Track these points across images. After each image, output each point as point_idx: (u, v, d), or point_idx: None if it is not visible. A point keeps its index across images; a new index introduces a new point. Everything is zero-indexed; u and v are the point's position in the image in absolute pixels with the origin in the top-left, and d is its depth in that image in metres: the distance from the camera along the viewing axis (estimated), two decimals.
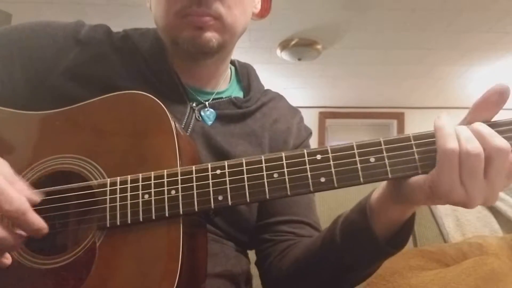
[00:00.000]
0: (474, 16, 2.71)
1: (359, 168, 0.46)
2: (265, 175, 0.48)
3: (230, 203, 0.48)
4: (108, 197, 0.51)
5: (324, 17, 2.79)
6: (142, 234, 0.49)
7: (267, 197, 0.48)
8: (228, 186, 0.49)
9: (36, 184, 0.54)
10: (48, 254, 0.51)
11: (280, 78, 3.84)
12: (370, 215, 0.53)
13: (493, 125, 0.44)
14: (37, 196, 0.49)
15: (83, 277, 0.48)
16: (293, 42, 3.12)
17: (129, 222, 0.49)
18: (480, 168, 0.42)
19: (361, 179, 0.46)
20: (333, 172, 0.47)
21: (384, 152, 0.46)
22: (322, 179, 0.47)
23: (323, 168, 0.47)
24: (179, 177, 0.50)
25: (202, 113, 0.70)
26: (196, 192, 0.49)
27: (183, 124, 0.68)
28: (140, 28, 0.75)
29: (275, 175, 0.48)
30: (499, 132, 0.43)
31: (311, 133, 0.83)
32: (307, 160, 0.48)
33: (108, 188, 0.51)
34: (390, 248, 0.53)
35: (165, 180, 0.50)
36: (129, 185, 0.50)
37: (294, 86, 4.05)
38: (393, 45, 3.18)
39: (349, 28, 2.93)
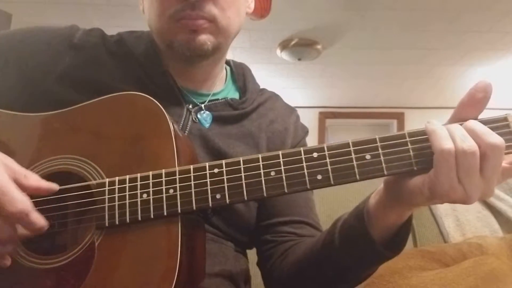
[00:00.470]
0: (474, 16, 2.72)
1: (355, 165, 0.47)
2: (262, 173, 0.49)
3: (228, 202, 0.49)
4: (106, 196, 0.51)
5: (324, 17, 2.79)
6: (140, 233, 0.50)
7: (265, 195, 0.48)
8: (225, 184, 0.49)
9: None
10: (48, 254, 0.51)
11: (280, 78, 3.84)
12: (368, 220, 0.53)
13: (486, 122, 0.45)
14: (54, 185, 0.51)
15: (82, 276, 0.49)
16: (293, 42, 3.13)
17: (127, 221, 0.50)
18: (476, 165, 0.43)
19: (357, 176, 0.47)
20: (330, 169, 0.48)
21: (380, 149, 0.47)
22: (319, 177, 0.48)
23: (320, 165, 0.48)
24: (177, 176, 0.50)
25: (199, 116, 0.70)
26: (194, 191, 0.49)
27: (180, 126, 0.68)
28: (135, 31, 0.75)
29: (272, 173, 0.49)
30: (493, 129, 0.44)
31: (307, 131, 0.83)
32: (303, 158, 0.48)
33: (106, 188, 0.51)
34: (388, 252, 0.53)
35: (163, 179, 0.50)
36: (127, 185, 0.51)
37: (294, 86, 4.06)
38: (393, 45, 3.18)
39: (349, 28, 2.93)
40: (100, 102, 0.57)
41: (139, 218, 0.49)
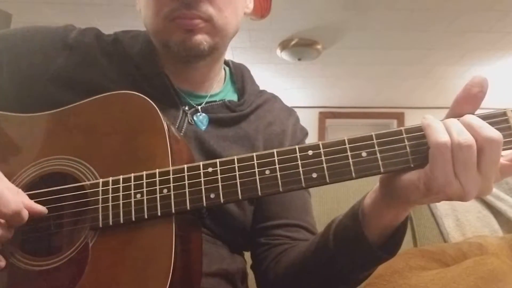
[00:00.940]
0: (474, 16, 2.71)
1: (351, 163, 0.46)
2: (257, 172, 0.48)
3: (222, 201, 0.48)
4: (100, 197, 0.51)
5: (324, 17, 2.79)
6: (134, 234, 0.49)
7: (259, 193, 0.48)
8: (220, 183, 0.49)
9: (29, 186, 0.54)
10: (42, 256, 0.51)
11: (280, 78, 3.84)
12: (363, 221, 0.52)
13: (484, 117, 0.44)
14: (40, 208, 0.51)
15: (76, 278, 0.48)
16: (293, 42, 3.12)
17: (121, 222, 0.49)
18: (473, 159, 0.42)
19: (353, 174, 0.46)
20: (325, 167, 0.47)
21: (376, 146, 0.46)
22: (314, 175, 0.47)
23: (315, 163, 0.47)
24: (171, 176, 0.50)
25: (195, 118, 0.69)
26: (188, 191, 0.49)
27: (176, 128, 0.66)
28: (131, 31, 0.74)
29: (267, 172, 0.48)
30: (491, 124, 0.43)
31: (307, 133, 0.82)
32: (298, 156, 0.48)
33: (100, 188, 0.51)
34: (383, 254, 0.52)
35: (157, 179, 0.50)
36: (121, 185, 0.50)
37: (294, 86, 4.06)
38: (393, 45, 3.18)
39: (349, 28, 2.93)
40: (93, 102, 0.57)
41: (133, 219, 0.49)
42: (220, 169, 0.49)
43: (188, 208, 0.49)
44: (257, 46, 3.19)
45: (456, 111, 0.46)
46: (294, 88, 4.11)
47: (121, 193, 0.50)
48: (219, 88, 0.76)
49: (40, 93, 0.65)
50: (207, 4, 0.61)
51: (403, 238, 0.54)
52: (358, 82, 3.98)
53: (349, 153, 0.47)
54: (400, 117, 4.58)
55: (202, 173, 0.49)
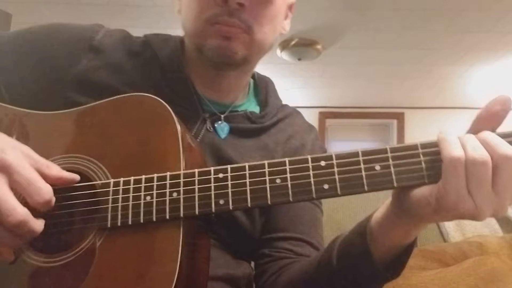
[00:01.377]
0: (474, 16, 2.71)
1: (364, 176, 0.45)
2: (267, 180, 0.47)
3: (231, 208, 0.48)
4: (110, 197, 0.51)
5: (324, 17, 2.79)
6: (142, 236, 0.49)
7: (269, 202, 0.47)
8: (230, 190, 0.48)
9: None
10: (50, 252, 0.51)
11: (280, 78, 3.84)
12: (370, 239, 0.51)
13: (503, 136, 0.43)
14: (75, 176, 0.51)
15: (82, 276, 0.49)
16: (293, 42, 3.12)
17: (129, 223, 0.49)
18: (488, 177, 0.41)
19: (366, 187, 0.45)
20: (337, 179, 0.46)
21: (390, 160, 0.45)
22: (325, 186, 0.46)
23: (327, 174, 0.46)
24: (182, 180, 0.50)
25: (216, 125, 0.69)
26: (198, 195, 0.49)
27: (193, 133, 0.67)
28: (162, 34, 0.74)
29: (278, 181, 0.47)
30: (510, 143, 0.41)
31: (325, 151, 0.81)
32: (310, 166, 0.47)
33: (111, 189, 0.51)
34: (388, 274, 0.51)
35: (168, 182, 0.50)
36: (131, 186, 0.50)
37: (294, 86, 4.05)
38: (393, 45, 3.18)
39: (349, 28, 2.93)
40: (109, 103, 0.57)
41: (141, 220, 0.49)
42: (231, 175, 0.49)
43: (197, 213, 0.48)
44: None
45: (476, 128, 0.44)
46: (294, 88, 4.11)
47: (131, 194, 0.50)
48: (243, 99, 0.76)
49: (62, 93, 0.64)
50: (249, 16, 0.62)
51: (407, 260, 0.52)
52: (358, 82, 3.97)
53: (362, 166, 0.46)
54: (400, 117, 4.58)
55: (212, 179, 0.49)
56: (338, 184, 0.46)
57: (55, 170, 0.50)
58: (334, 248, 0.56)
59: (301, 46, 3.16)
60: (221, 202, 0.48)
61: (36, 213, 0.47)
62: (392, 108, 4.55)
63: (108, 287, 0.48)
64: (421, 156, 0.45)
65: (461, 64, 3.47)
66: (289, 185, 0.47)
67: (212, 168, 0.50)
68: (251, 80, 0.80)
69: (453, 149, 0.41)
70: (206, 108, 0.70)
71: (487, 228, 1.09)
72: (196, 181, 0.49)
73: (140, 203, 0.50)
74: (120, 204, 0.50)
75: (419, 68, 3.59)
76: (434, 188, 0.43)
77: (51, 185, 0.48)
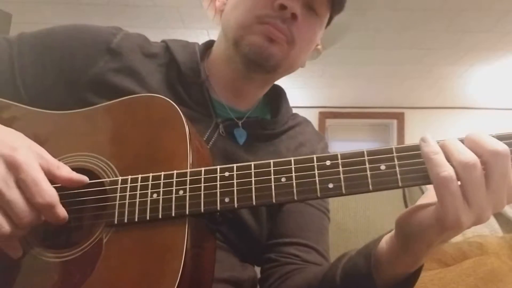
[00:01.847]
0: (474, 16, 2.72)
1: (369, 175, 0.45)
2: (272, 179, 0.48)
3: (236, 206, 0.49)
4: (118, 194, 0.52)
5: None
6: (147, 233, 0.50)
7: (274, 201, 0.48)
8: (235, 188, 0.49)
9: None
10: (58, 248, 0.52)
11: (280, 78, 3.84)
12: (374, 264, 0.50)
13: (501, 138, 0.42)
14: (84, 178, 0.52)
15: (88, 272, 0.49)
16: None
17: (136, 220, 0.50)
18: (480, 178, 0.40)
19: (370, 186, 0.45)
20: (342, 178, 0.46)
21: (396, 160, 0.45)
22: (330, 185, 0.46)
23: (332, 174, 0.47)
24: (188, 178, 0.50)
25: (235, 132, 0.70)
26: (203, 193, 0.49)
27: (205, 137, 0.67)
28: (181, 40, 0.75)
29: (283, 179, 0.48)
30: (509, 145, 0.41)
31: None
32: (316, 166, 0.47)
33: (119, 186, 0.52)
34: None
35: (174, 180, 0.51)
36: (139, 184, 0.51)
37: (294, 86, 4.06)
38: (393, 45, 3.19)
39: (349, 28, 2.93)
40: (119, 103, 0.59)
41: (147, 218, 0.50)
42: (236, 174, 0.50)
43: (202, 210, 0.49)
44: None
45: None
46: (294, 88, 4.11)
47: (138, 192, 0.51)
48: (255, 106, 0.78)
49: (77, 94, 0.65)
50: (297, 30, 0.64)
51: (412, 286, 0.52)
52: (358, 82, 3.98)
53: (367, 165, 0.46)
54: (400, 117, 4.58)
55: (218, 177, 0.50)
56: (343, 183, 0.46)
57: (65, 171, 0.51)
58: (339, 267, 0.56)
59: None
60: (226, 200, 0.49)
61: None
62: (392, 108, 4.56)
63: (113, 283, 0.49)
64: None
65: (461, 64, 3.48)
66: (294, 184, 0.47)
67: (218, 167, 0.51)
68: None
69: (440, 169, 0.40)
70: (220, 113, 0.71)
71: (487, 228, 1.09)
72: (202, 179, 0.50)
73: (146, 200, 0.50)
74: (127, 201, 0.51)
75: (419, 68, 3.60)
76: (433, 210, 0.43)
77: (62, 185, 0.50)
